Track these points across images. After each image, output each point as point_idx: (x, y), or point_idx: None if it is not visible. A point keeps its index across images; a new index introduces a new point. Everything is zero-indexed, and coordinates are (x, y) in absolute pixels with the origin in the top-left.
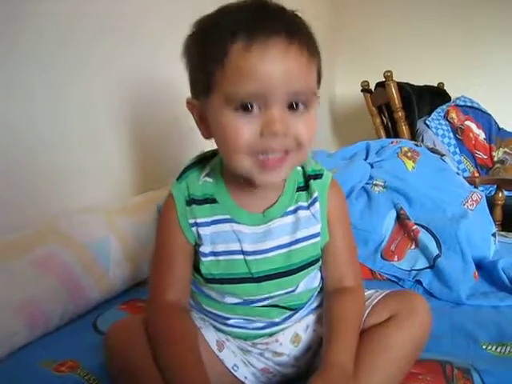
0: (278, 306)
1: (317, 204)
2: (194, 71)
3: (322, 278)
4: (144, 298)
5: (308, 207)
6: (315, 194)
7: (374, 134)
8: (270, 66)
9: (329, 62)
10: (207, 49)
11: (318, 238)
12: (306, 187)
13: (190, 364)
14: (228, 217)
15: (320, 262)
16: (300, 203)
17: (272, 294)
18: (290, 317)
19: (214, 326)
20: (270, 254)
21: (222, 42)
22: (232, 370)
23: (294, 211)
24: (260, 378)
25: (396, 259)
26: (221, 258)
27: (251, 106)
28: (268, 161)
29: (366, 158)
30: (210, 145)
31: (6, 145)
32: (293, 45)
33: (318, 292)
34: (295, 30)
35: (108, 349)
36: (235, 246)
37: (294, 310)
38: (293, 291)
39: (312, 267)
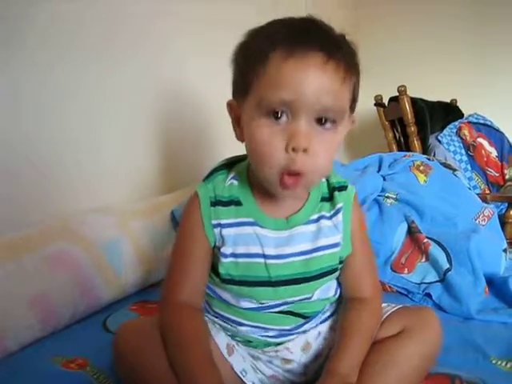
0: (293, 312)
1: (339, 215)
2: (238, 73)
3: (337, 288)
4: (155, 300)
5: (330, 217)
6: (339, 206)
7: (386, 148)
8: (305, 77)
9: None
10: (251, 53)
11: (337, 249)
12: (329, 198)
13: (205, 365)
14: (251, 220)
15: (337, 273)
16: (323, 213)
17: (288, 300)
18: (301, 325)
19: (225, 330)
20: (291, 260)
21: (266, 47)
22: (240, 375)
23: (317, 220)
24: None
25: (406, 272)
26: (240, 260)
27: (281, 114)
28: (287, 181)
29: (378, 171)
30: (233, 154)
31: (19, 145)
32: (330, 63)
33: (333, 302)
34: (335, 49)
35: (117, 349)
36: (256, 249)
37: (308, 317)
38: (308, 298)
39: (328, 277)
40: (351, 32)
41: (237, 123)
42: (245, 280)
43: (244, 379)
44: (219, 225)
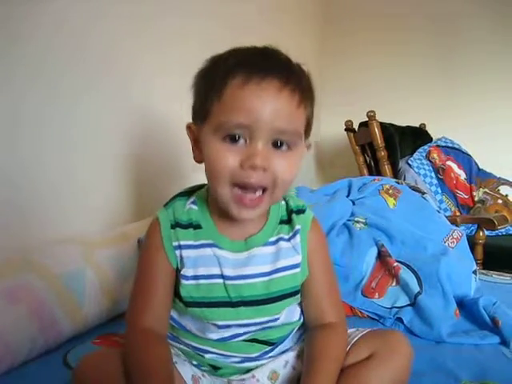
0: (257, 340)
1: (297, 237)
2: (197, 99)
3: (302, 313)
4: (120, 332)
5: (289, 239)
6: (297, 227)
7: (357, 172)
8: (262, 102)
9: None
10: (211, 80)
11: (297, 269)
12: (288, 221)
13: None
14: (211, 242)
15: (298, 296)
16: (282, 235)
17: (251, 321)
18: (268, 352)
19: (190, 362)
20: (251, 281)
21: (224, 76)
22: None
23: (276, 242)
24: None
25: (377, 296)
26: (201, 281)
27: (238, 137)
28: (245, 199)
29: (348, 195)
30: (198, 181)
31: None
32: (285, 89)
33: (298, 328)
34: (290, 76)
35: (78, 382)
36: (215, 270)
37: (273, 344)
38: (275, 320)
39: (290, 299)
40: (320, 60)
41: (195, 145)
42: (206, 301)
43: None
44: (179, 246)
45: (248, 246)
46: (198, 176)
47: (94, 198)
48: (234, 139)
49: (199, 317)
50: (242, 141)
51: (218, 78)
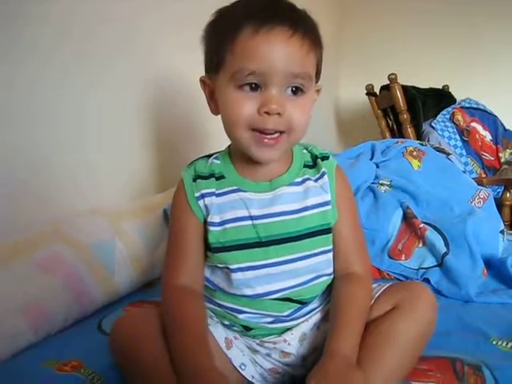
0: (291, 299)
1: (325, 177)
2: (209, 51)
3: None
4: (152, 300)
5: (316, 180)
6: (323, 170)
7: (379, 136)
8: (273, 49)
9: (334, 66)
10: (222, 31)
11: (328, 207)
12: (313, 165)
13: (200, 345)
14: (235, 187)
15: (330, 237)
16: (308, 176)
17: (280, 259)
18: (298, 310)
19: (222, 323)
20: (279, 218)
21: (233, 28)
22: (239, 369)
23: (302, 182)
24: (267, 377)
25: (403, 258)
26: (228, 225)
27: (253, 86)
28: (264, 139)
29: (371, 158)
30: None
31: (17, 145)
32: (295, 35)
33: (326, 288)
34: (299, 23)
35: (116, 340)
36: (243, 213)
37: (304, 303)
38: (302, 258)
39: (321, 237)
40: (340, 23)
41: (211, 98)
42: (234, 244)
43: (243, 373)
44: (202, 196)
45: (273, 186)
46: (220, 144)
47: (112, 171)
48: (249, 88)
49: (227, 262)
50: (257, 90)
51: (228, 30)
